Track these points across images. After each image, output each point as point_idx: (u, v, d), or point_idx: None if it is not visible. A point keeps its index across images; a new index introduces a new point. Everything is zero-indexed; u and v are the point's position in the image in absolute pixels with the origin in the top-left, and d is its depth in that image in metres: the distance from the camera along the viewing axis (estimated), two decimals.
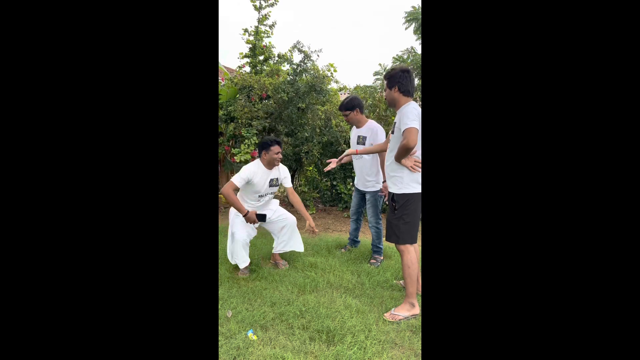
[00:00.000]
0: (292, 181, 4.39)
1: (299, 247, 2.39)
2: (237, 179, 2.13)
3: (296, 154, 3.78)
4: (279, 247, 2.40)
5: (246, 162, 3.70)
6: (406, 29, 3.95)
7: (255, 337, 1.57)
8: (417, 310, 1.74)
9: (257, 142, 3.67)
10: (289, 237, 2.37)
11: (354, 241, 2.76)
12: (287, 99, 3.48)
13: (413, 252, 1.72)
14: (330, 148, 3.81)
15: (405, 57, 3.75)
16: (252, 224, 2.25)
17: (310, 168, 4.58)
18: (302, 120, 3.63)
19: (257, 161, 2.25)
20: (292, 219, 2.39)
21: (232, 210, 2.30)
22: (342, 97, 4.30)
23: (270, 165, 2.24)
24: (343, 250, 2.70)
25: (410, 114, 1.59)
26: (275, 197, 2.50)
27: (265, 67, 4.47)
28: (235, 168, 4.78)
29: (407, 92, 1.69)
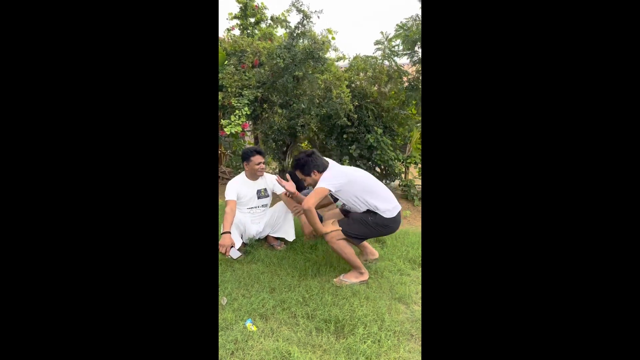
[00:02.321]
0: (285, 158, 4.13)
1: (290, 236, 2.24)
2: (228, 194, 2.06)
3: (291, 128, 3.50)
4: (269, 230, 2.27)
5: (236, 134, 3.40)
6: None
7: (254, 328, 1.39)
8: (366, 276, 1.82)
9: (248, 112, 3.35)
10: (282, 223, 2.24)
11: None
12: (282, 65, 3.15)
13: (337, 241, 1.78)
14: (328, 122, 3.53)
15: (409, 24, 3.45)
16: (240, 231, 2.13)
17: (304, 144, 4.32)
18: (297, 91, 3.32)
19: (242, 174, 2.19)
20: (281, 206, 2.24)
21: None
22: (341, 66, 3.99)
23: (253, 176, 2.17)
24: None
25: (324, 179, 1.75)
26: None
27: (256, 30, 4.06)
28: (223, 142, 4.46)
29: (324, 168, 1.84)
